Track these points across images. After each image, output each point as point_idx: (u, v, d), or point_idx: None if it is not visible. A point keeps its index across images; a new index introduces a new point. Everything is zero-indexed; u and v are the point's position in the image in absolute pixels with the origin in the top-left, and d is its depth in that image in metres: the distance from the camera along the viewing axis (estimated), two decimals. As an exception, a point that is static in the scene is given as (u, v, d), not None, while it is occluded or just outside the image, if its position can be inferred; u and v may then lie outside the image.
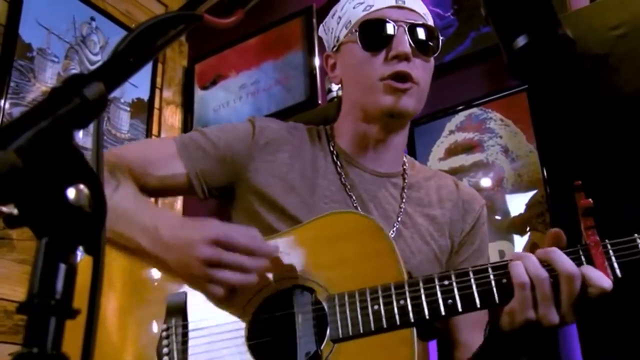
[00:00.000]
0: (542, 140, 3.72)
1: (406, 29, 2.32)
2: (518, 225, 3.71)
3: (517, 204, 3.75)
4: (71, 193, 0.89)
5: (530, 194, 3.70)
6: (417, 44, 2.33)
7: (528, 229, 3.67)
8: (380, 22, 2.34)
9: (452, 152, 4.08)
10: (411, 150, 4.15)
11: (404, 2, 2.38)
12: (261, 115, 2.57)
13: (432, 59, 2.43)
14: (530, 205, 3.72)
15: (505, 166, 3.85)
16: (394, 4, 2.36)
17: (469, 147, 4.02)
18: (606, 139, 3.36)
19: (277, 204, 2.31)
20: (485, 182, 3.88)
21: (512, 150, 3.86)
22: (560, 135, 3.58)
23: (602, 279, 1.74)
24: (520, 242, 3.66)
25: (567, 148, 3.52)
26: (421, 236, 2.37)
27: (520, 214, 3.73)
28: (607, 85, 3.43)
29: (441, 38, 2.43)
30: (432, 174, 2.65)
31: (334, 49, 2.54)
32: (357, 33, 2.37)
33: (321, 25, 2.66)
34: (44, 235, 0.88)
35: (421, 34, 2.35)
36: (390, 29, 2.33)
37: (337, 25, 2.50)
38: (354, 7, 2.42)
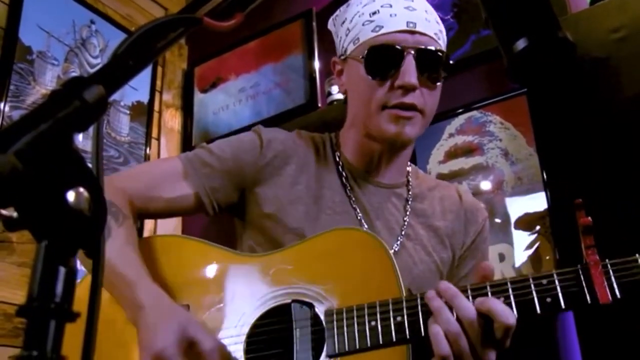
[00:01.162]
0: (542, 144, 3.71)
1: (415, 55, 2.25)
2: (518, 228, 3.71)
3: (517, 207, 3.74)
4: (71, 196, 0.89)
5: (530, 197, 3.70)
6: (426, 72, 2.28)
7: (528, 232, 3.67)
8: (388, 49, 2.27)
9: (451, 155, 4.07)
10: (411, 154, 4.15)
11: (415, 26, 2.28)
12: (262, 126, 2.53)
13: (438, 88, 2.37)
14: (530, 209, 3.71)
15: (505, 169, 3.84)
16: (404, 27, 2.27)
17: (468, 150, 4.01)
18: (606, 142, 3.36)
19: (283, 218, 2.31)
20: (485, 185, 3.88)
21: (512, 153, 3.86)
22: (560, 138, 3.58)
23: (504, 315, 1.75)
24: (520, 245, 3.65)
25: (567, 151, 3.53)
26: (423, 247, 2.38)
27: (520, 217, 3.72)
28: (607, 89, 3.43)
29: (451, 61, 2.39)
30: (436, 184, 2.64)
31: (341, 57, 2.49)
32: (364, 59, 2.31)
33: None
34: (44, 239, 0.88)
35: (431, 61, 2.29)
36: (398, 56, 2.26)
37: (345, 37, 2.44)
38: (363, 24, 2.34)
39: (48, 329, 0.85)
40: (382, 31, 2.29)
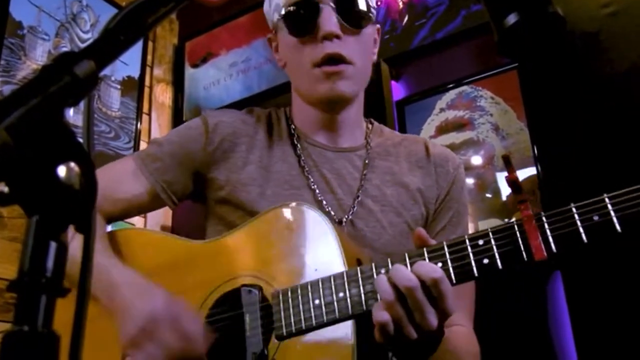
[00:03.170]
0: (533, 118, 3.72)
1: (332, 5, 2.25)
2: (509, 203, 3.72)
3: (507, 181, 3.75)
4: (62, 171, 0.88)
5: (521, 171, 3.70)
6: (347, 19, 2.27)
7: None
8: (304, 4, 2.28)
9: (442, 130, 4.08)
10: (402, 128, 4.16)
11: None
12: (213, 109, 2.53)
13: (367, 30, 2.37)
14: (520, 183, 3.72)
15: (496, 144, 3.85)
16: None
17: (459, 125, 4.02)
18: (596, 116, 3.37)
19: (237, 201, 2.30)
20: (476, 160, 3.89)
21: (502, 128, 3.86)
22: (550, 113, 3.58)
23: (429, 271, 1.69)
24: (510, 218, 3.67)
25: (557, 126, 3.53)
26: (392, 208, 2.33)
27: (511, 192, 3.73)
28: (597, 63, 3.44)
29: (377, 4, 2.39)
30: (402, 139, 2.58)
31: (273, 32, 2.51)
32: (283, 21, 2.34)
33: (266, 1, 2.56)
34: (35, 213, 0.88)
35: (349, 7, 2.29)
36: (314, 9, 2.26)
37: (270, 9, 2.47)
38: None
39: (39, 303, 0.85)
40: None
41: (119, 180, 2.37)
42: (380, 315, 1.71)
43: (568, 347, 3.23)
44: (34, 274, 0.86)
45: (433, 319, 1.70)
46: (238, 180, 2.32)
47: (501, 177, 3.77)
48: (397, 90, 4.35)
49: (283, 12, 2.33)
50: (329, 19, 2.24)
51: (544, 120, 3.63)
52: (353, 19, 2.29)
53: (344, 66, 2.26)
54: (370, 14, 2.36)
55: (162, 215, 5.14)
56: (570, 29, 3.16)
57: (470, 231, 2.19)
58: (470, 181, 3.79)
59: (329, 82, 2.26)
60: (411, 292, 1.67)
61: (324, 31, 2.23)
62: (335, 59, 2.24)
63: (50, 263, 0.87)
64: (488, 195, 3.78)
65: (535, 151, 3.65)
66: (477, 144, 3.92)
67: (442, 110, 4.11)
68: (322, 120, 2.42)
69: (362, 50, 2.34)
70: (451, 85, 4.12)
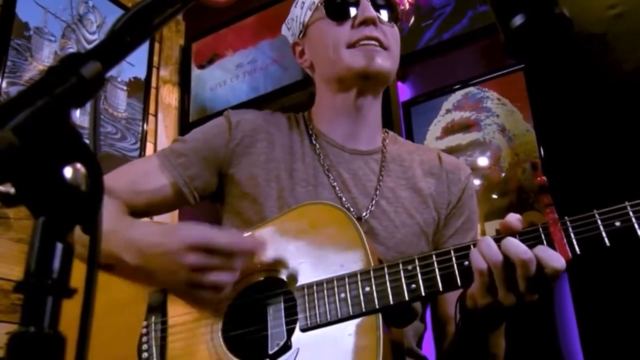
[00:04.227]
0: (539, 119, 3.72)
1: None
2: (515, 204, 3.71)
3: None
4: (68, 172, 0.89)
5: (527, 172, 3.70)
6: (380, 12, 2.41)
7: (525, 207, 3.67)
8: None
9: (448, 131, 4.08)
10: (408, 129, 4.16)
11: None
12: (235, 109, 2.57)
13: (396, 29, 2.49)
14: (526, 184, 3.72)
15: (502, 145, 3.85)
16: None
17: (465, 126, 4.02)
18: (603, 117, 3.36)
19: (258, 197, 2.33)
20: (482, 161, 3.88)
21: (509, 129, 3.86)
22: (556, 114, 3.58)
23: (554, 259, 1.72)
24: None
25: (563, 127, 3.53)
26: (405, 209, 2.39)
27: (517, 193, 3.73)
28: (603, 65, 3.43)
29: (401, 7, 2.50)
30: (415, 148, 2.67)
31: (300, 35, 2.59)
32: (323, 6, 2.44)
33: (284, 24, 2.71)
34: (41, 215, 0.88)
35: (383, 3, 2.44)
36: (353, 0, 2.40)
37: (301, 11, 2.56)
38: None
39: (45, 304, 0.85)
40: None
41: (142, 174, 2.40)
42: (481, 261, 1.78)
43: (574, 348, 3.23)
44: (40, 275, 0.86)
45: (512, 298, 1.77)
46: (258, 175, 2.37)
47: (507, 179, 3.77)
48: (404, 91, 4.35)
49: (323, 0, 2.46)
50: (368, 7, 2.38)
51: (551, 121, 3.63)
52: (387, 14, 2.44)
53: (380, 48, 2.37)
54: (398, 14, 2.51)
55: (169, 219, 5.13)
56: (576, 30, 3.16)
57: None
58: (476, 182, 3.78)
59: (367, 56, 2.35)
60: (525, 264, 1.72)
61: (364, 16, 2.37)
62: (373, 42, 2.36)
63: (56, 264, 0.87)
64: (494, 196, 3.78)
65: (542, 152, 3.65)
66: (483, 145, 3.91)
67: (448, 111, 4.11)
68: (347, 111, 2.48)
69: (394, 43, 2.45)
70: (457, 86, 4.12)
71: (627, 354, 3.02)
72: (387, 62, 2.37)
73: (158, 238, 1.99)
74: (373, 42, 2.35)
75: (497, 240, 1.79)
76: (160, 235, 2.01)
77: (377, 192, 2.39)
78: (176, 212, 5.13)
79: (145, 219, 2.23)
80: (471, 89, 4.07)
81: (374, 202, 2.36)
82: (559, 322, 3.34)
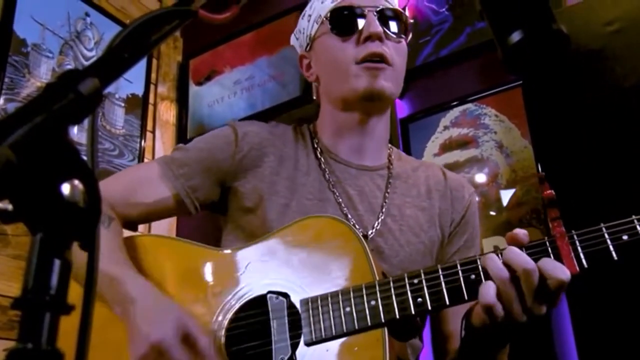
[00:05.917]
0: (537, 136, 3.72)
1: (375, 14, 2.38)
2: (512, 221, 3.71)
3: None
4: (66, 189, 0.88)
5: (525, 189, 3.70)
6: (388, 26, 2.39)
7: (522, 224, 3.67)
8: (350, 8, 2.40)
9: (446, 147, 4.08)
10: (406, 146, 4.16)
11: None
12: (239, 120, 2.56)
13: (404, 43, 2.47)
14: (524, 201, 3.72)
15: (500, 162, 3.85)
16: None
17: (463, 143, 4.02)
18: (601, 134, 3.36)
19: (262, 211, 2.32)
20: (480, 177, 3.89)
21: (506, 145, 3.87)
22: (554, 130, 3.58)
23: (558, 271, 1.74)
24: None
25: (561, 143, 3.53)
26: (410, 228, 2.38)
27: (515, 210, 3.73)
28: (601, 81, 3.44)
29: (410, 21, 2.50)
30: (419, 164, 2.66)
31: (307, 47, 2.58)
32: (328, 21, 2.42)
33: (292, 34, 2.70)
34: (39, 231, 0.88)
35: (390, 17, 2.41)
36: (359, 13, 2.38)
37: (308, 24, 2.54)
38: (322, 2, 2.47)
39: (43, 321, 0.85)
40: None
41: (141, 183, 2.39)
42: (489, 296, 1.77)
43: (570, 353, 3.23)
44: (38, 291, 0.86)
45: (521, 311, 1.78)
46: (265, 190, 2.36)
47: (505, 195, 3.78)
48: (401, 108, 4.35)
49: (329, 14, 2.43)
50: (374, 23, 2.36)
51: (548, 138, 3.63)
52: (394, 29, 2.41)
53: (384, 65, 2.34)
54: (407, 28, 2.48)
55: (167, 227, 5.12)
56: (574, 47, 3.17)
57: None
58: (474, 199, 3.79)
59: (370, 77, 2.33)
60: (528, 275, 1.73)
61: (369, 31, 2.35)
62: (377, 59, 2.34)
63: (54, 281, 0.87)
64: (492, 212, 3.78)
65: (540, 169, 3.65)
66: (481, 161, 3.92)
67: (446, 128, 4.12)
68: (352, 129, 2.47)
69: (400, 59, 2.43)
70: (455, 103, 4.13)
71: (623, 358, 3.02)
72: (390, 82, 2.35)
73: (152, 315, 2.00)
74: (377, 59, 2.33)
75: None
76: (155, 311, 2.02)
77: (383, 210, 2.39)
78: (174, 218, 5.13)
79: (143, 280, 2.18)
80: (469, 105, 4.07)
81: (380, 219, 2.36)
82: (554, 326, 3.34)
